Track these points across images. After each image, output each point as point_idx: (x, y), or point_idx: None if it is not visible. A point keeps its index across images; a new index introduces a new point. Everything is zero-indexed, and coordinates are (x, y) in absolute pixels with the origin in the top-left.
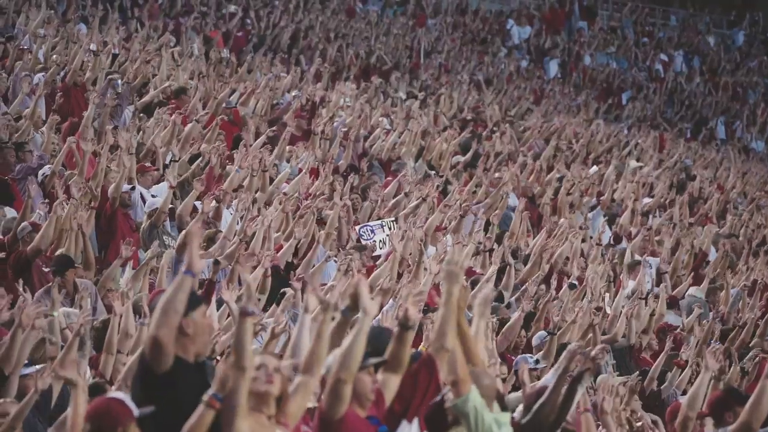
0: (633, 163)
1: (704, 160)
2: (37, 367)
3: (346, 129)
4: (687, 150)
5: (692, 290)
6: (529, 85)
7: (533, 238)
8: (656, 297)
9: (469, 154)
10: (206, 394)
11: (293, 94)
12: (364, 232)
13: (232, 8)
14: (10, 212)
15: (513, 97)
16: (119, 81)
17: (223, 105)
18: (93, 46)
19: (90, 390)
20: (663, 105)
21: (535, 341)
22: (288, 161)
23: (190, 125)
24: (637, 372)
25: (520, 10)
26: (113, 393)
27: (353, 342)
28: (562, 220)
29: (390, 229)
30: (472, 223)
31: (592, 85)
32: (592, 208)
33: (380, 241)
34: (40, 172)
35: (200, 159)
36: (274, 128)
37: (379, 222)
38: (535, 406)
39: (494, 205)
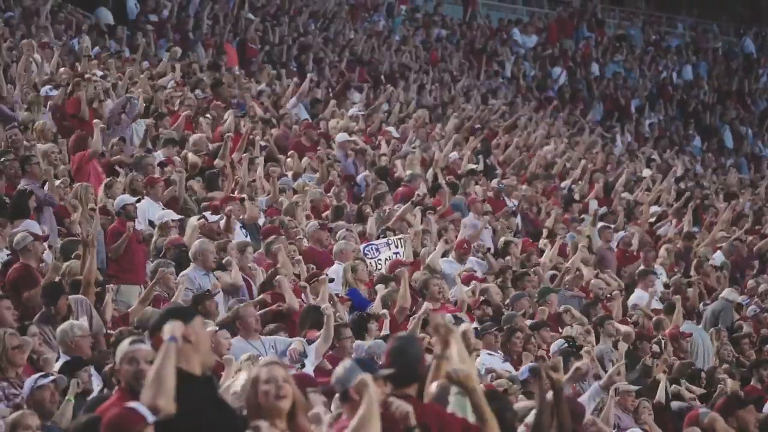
0: (646, 172)
1: (713, 168)
2: (52, 377)
3: (353, 139)
4: (696, 158)
5: (726, 292)
6: (535, 95)
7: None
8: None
9: (481, 165)
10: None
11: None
12: (369, 251)
13: (249, 15)
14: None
15: (519, 107)
16: (136, 99)
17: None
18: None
19: (89, 424)
20: (671, 113)
21: (553, 348)
22: (304, 171)
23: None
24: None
25: (527, 19)
26: (129, 402)
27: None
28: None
29: (396, 247)
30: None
31: (600, 94)
32: (601, 218)
33: (385, 259)
34: (47, 186)
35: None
36: (267, 137)
37: (385, 240)
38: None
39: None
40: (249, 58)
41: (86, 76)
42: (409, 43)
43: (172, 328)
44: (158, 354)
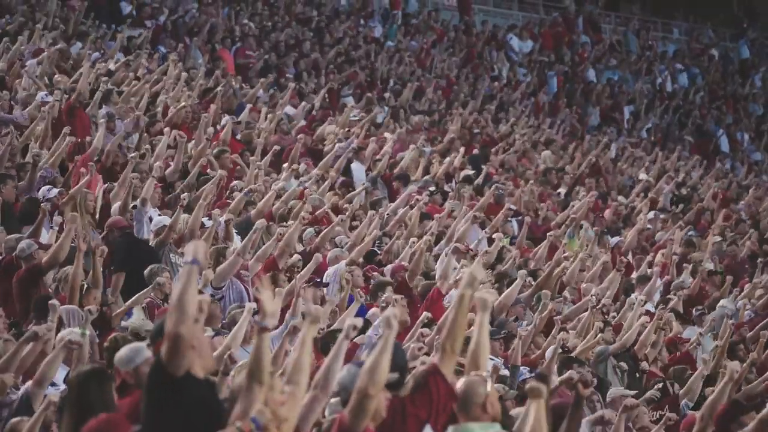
0: (642, 176)
1: (709, 173)
2: (62, 388)
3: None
4: (692, 163)
5: (723, 302)
6: (531, 100)
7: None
8: (671, 310)
9: (481, 178)
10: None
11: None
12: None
13: (250, 23)
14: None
15: (515, 113)
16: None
17: (231, 120)
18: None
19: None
20: (667, 118)
21: (548, 354)
22: (297, 178)
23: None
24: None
25: (523, 25)
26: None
27: (379, 356)
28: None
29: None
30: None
31: (596, 99)
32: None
33: None
34: (41, 194)
35: (212, 182)
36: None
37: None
38: None
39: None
40: (246, 64)
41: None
42: (404, 49)
43: (194, 249)
44: (179, 278)
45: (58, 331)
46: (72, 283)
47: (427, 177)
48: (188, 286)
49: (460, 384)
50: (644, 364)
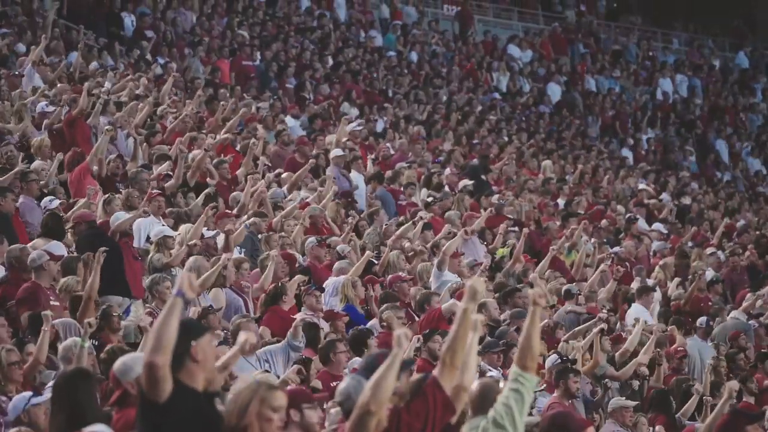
0: (642, 185)
1: (709, 183)
2: (46, 396)
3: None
4: (692, 175)
5: (734, 313)
6: (531, 111)
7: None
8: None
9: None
10: None
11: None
12: None
13: (244, 33)
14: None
15: (516, 123)
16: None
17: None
18: (108, 84)
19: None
20: (667, 129)
21: (547, 364)
22: (300, 189)
23: (199, 155)
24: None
25: (523, 35)
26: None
27: (385, 374)
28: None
29: None
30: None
31: (597, 110)
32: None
33: None
34: (43, 205)
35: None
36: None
37: None
38: None
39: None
40: (246, 74)
41: (94, 90)
42: (404, 59)
43: (181, 282)
44: (163, 308)
45: (54, 343)
46: (88, 293)
47: (446, 191)
48: (169, 318)
49: (476, 385)
50: (643, 369)
